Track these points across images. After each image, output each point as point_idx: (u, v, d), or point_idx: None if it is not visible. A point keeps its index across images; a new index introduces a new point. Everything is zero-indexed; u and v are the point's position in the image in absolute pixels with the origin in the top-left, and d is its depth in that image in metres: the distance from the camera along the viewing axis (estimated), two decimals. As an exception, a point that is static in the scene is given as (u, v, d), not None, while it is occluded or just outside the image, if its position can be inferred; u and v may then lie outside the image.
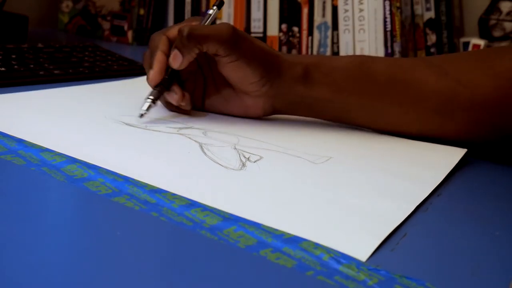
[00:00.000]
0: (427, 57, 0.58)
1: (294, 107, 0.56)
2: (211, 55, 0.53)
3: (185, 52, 0.52)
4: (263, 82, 0.53)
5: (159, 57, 0.53)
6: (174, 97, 0.54)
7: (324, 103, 0.55)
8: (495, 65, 0.52)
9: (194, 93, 0.57)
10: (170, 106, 0.57)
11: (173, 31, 0.54)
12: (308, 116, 0.57)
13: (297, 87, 0.54)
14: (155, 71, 0.53)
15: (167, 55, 0.53)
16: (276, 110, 0.56)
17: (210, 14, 0.56)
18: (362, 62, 0.55)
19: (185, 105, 0.55)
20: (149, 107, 0.53)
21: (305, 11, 0.91)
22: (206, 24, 0.55)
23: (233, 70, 0.53)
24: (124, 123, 0.53)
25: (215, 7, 0.57)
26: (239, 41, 0.51)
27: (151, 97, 0.53)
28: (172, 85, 0.54)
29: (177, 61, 0.52)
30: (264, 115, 0.57)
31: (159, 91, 0.54)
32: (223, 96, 0.56)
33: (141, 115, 0.53)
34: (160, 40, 0.54)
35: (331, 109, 0.55)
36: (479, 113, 0.52)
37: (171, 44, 0.54)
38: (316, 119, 0.60)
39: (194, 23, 0.54)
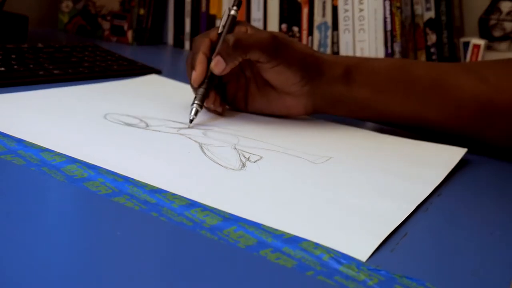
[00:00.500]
0: (466, 63, 0.60)
1: (334, 106, 0.57)
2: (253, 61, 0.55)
3: (229, 60, 0.54)
4: (304, 83, 0.55)
5: (201, 59, 0.55)
6: (208, 101, 0.56)
7: (364, 103, 0.56)
8: None
9: (236, 95, 0.59)
10: (208, 109, 0.58)
11: (214, 34, 0.57)
12: (347, 116, 0.59)
13: (338, 86, 0.56)
14: (198, 73, 0.55)
15: (209, 57, 0.55)
16: (316, 109, 0.58)
17: (233, 15, 0.58)
18: (403, 65, 0.58)
19: (214, 108, 0.57)
20: (196, 112, 0.54)
21: (305, 11, 0.91)
22: (226, 23, 0.57)
23: (275, 74, 0.55)
24: (124, 123, 0.53)
25: (235, 7, 0.58)
26: (279, 47, 0.54)
27: (197, 102, 0.54)
28: (211, 88, 0.56)
29: (220, 67, 0.54)
30: (305, 114, 0.59)
31: (203, 95, 0.55)
32: (265, 97, 0.58)
33: (191, 121, 0.54)
34: (202, 42, 0.56)
35: (370, 109, 0.57)
36: None
37: (213, 46, 0.56)
38: (318, 121, 0.60)
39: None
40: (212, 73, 0.55)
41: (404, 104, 0.55)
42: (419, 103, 0.55)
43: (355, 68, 0.56)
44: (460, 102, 0.54)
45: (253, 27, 0.58)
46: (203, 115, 0.57)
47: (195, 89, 0.56)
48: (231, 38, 0.53)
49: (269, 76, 0.56)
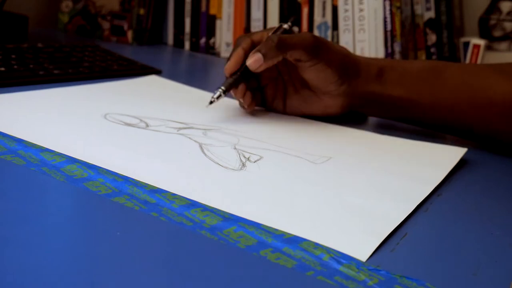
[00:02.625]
0: (497, 64, 0.61)
1: (369, 104, 0.60)
2: (292, 62, 0.58)
3: (269, 57, 0.56)
4: (341, 82, 0.58)
5: (238, 51, 0.58)
6: (235, 91, 0.58)
7: (397, 103, 0.58)
8: None
9: (275, 97, 0.62)
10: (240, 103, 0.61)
11: (257, 36, 0.60)
12: (380, 115, 0.62)
13: (373, 86, 0.58)
14: (231, 62, 0.58)
15: (247, 53, 0.58)
16: (353, 108, 0.61)
17: (285, 28, 0.61)
18: (435, 66, 0.60)
19: (244, 103, 0.59)
20: (219, 96, 0.57)
21: (305, 11, 0.91)
22: (275, 31, 0.60)
23: (314, 72, 0.57)
24: (124, 123, 0.53)
25: (289, 23, 0.62)
26: (320, 46, 0.56)
27: (223, 87, 0.57)
28: (241, 82, 0.58)
29: (257, 63, 0.56)
30: (342, 113, 0.61)
31: (231, 83, 0.57)
32: (303, 98, 0.61)
33: (211, 102, 0.56)
34: (244, 40, 0.59)
35: (403, 109, 0.58)
36: None
37: (253, 46, 0.58)
38: (318, 121, 0.60)
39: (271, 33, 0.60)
40: (246, 69, 0.57)
41: (435, 103, 0.57)
42: (449, 103, 0.56)
43: (389, 68, 0.59)
44: (490, 101, 0.54)
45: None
46: (204, 114, 0.57)
47: (226, 78, 0.58)
48: (275, 37, 0.56)
49: (308, 75, 0.58)
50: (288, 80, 0.62)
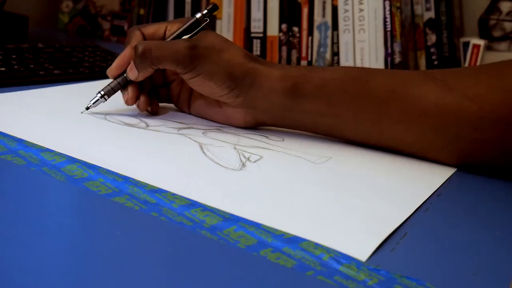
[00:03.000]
0: (429, 70, 0.54)
1: (281, 120, 0.53)
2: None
3: (140, 69, 0.52)
4: (235, 94, 0.51)
5: (124, 53, 0.53)
6: (125, 96, 0.54)
7: (315, 117, 0.51)
8: (505, 79, 0.47)
9: (180, 95, 0.57)
10: (138, 108, 0.55)
11: (151, 29, 0.54)
12: (297, 129, 0.54)
13: (281, 99, 0.51)
14: (114, 65, 0.53)
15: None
16: (259, 122, 0.54)
17: (197, 18, 0.54)
18: (358, 74, 0.51)
19: (139, 107, 0.54)
20: (96, 101, 0.53)
21: (305, 11, 0.91)
22: (185, 27, 0.54)
23: (196, 85, 0.52)
24: (124, 123, 0.53)
25: (204, 12, 0.54)
26: (197, 58, 0.50)
27: (102, 92, 0.54)
28: (128, 84, 0.54)
29: (133, 74, 0.52)
30: (246, 126, 0.55)
31: (113, 88, 0.54)
32: (207, 103, 0.55)
33: (87, 108, 0.53)
34: (133, 36, 0.54)
35: (323, 124, 0.52)
36: (488, 131, 0.47)
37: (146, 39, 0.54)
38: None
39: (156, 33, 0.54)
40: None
41: (359, 117, 0.50)
42: (375, 115, 0.50)
43: (305, 79, 0.51)
44: (422, 112, 0.48)
45: (218, 37, 0.53)
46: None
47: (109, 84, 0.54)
48: (140, 46, 0.50)
49: (193, 86, 0.53)
50: None
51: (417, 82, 0.50)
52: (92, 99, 0.53)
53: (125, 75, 0.54)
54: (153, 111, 0.56)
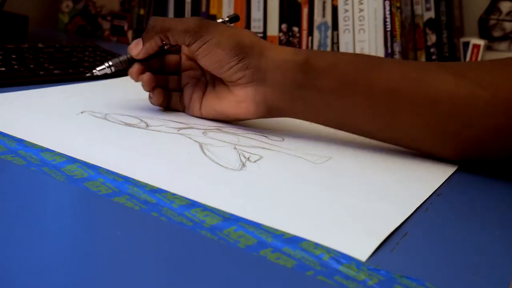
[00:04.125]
0: (442, 62, 0.54)
1: (292, 100, 0.51)
2: (187, 53, 0.54)
3: (146, 39, 0.53)
4: (245, 64, 0.51)
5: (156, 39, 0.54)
6: (131, 70, 0.55)
7: (328, 97, 0.49)
8: None
9: (193, 97, 0.57)
10: (151, 100, 0.57)
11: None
12: (307, 117, 0.52)
13: (295, 74, 0.50)
14: (144, 48, 0.54)
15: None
16: (270, 104, 0.52)
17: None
18: (369, 59, 0.51)
19: (144, 83, 0.55)
20: (102, 69, 0.56)
21: (305, 11, 0.91)
22: None
23: (205, 56, 0.52)
24: (124, 123, 0.53)
25: (227, 19, 0.56)
26: (204, 26, 0.51)
27: (110, 62, 0.56)
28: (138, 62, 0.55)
29: (137, 49, 0.54)
30: (257, 113, 0.53)
31: (121, 61, 0.55)
32: (217, 94, 0.55)
33: (92, 73, 0.56)
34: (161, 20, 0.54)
35: (334, 108, 0.50)
36: (500, 119, 0.46)
37: None
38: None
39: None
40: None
41: (370, 99, 0.49)
42: (387, 99, 0.48)
43: (315, 55, 0.50)
44: (434, 98, 0.47)
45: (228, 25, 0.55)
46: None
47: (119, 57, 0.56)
48: (151, 20, 0.52)
49: (202, 60, 0.52)
50: (209, 80, 0.56)
51: (429, 69, 0.49)
52: (99, 66, 0.55)
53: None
54: (163, 104, 0.57)
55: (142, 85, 0.56)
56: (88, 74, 0.55)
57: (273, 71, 0.50)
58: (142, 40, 0.53)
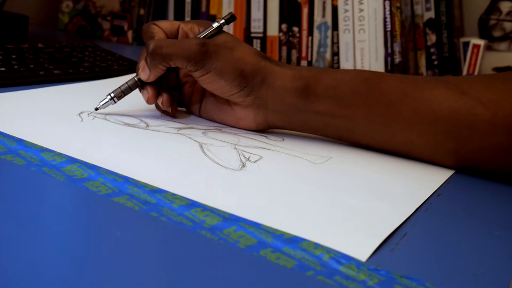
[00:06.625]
0: (443, 76, 0.53)
1: (291, 122, 0.53)
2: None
3: (151, 67, 0.52)
4: (246, 92, 0.51)
5: (144, 51, 0.53)
6: (145, 95, 0.54)
7: (326, 119, 0.51)
8: None
9: (191, 97, 0.57)
10: (158, 108, 0.56)
11: (164, 24, 0.54)
12: (307, 132, 0.54)
13: (292, 99, 0.51)
14: (139, 66, 0.53)
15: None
16: (270, 124, 0.54)
17: (213, 27, 0.53)
18: (369, 76, 0.51)
19: (162, 106, 0.54)
20: (106, 103, 0.54)
21: (305, 11, 0.91)
22: (205, 35, 0.53)
23: (207, 83, 0.52)
24: (124, 123, 0.53)
25: (222, 21, 0.54)
26: (206, 54, 0.50)
27: (112, 94, 0.54)
28: (146, 84, 0.54)
29: (145, 74, 0.53)
30: (258, 129, 0.54)
31: (123, 91, 0.54)
32: (218, 104, 0.55)
33: (96, 109, 0.54)
34: (152, 30, 0.53)
35: (334, 126, 0.51)
36: (500, 138, 0.46)
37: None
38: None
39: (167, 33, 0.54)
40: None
41: (370, 119, 0.49)
42: (387, 118, 0.49)
43: (316, 80, 0.51)
44: (435, 116, 0.47)
45: (229, 36, 0.53)
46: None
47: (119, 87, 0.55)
48: (151, 44, 0.51)
49: (204, 85, 0.52)
50: None
51: (429, 86, 0.49)
52: (102, 100, 0.54)
53: (135, 77, 0.54)
54: (173, 112, 0.56)
55: (160, 105, 0.54)
56: (91, 112, 0.54)
57: (273, 98, 0.51)
58: (148, 66, 0.52)
